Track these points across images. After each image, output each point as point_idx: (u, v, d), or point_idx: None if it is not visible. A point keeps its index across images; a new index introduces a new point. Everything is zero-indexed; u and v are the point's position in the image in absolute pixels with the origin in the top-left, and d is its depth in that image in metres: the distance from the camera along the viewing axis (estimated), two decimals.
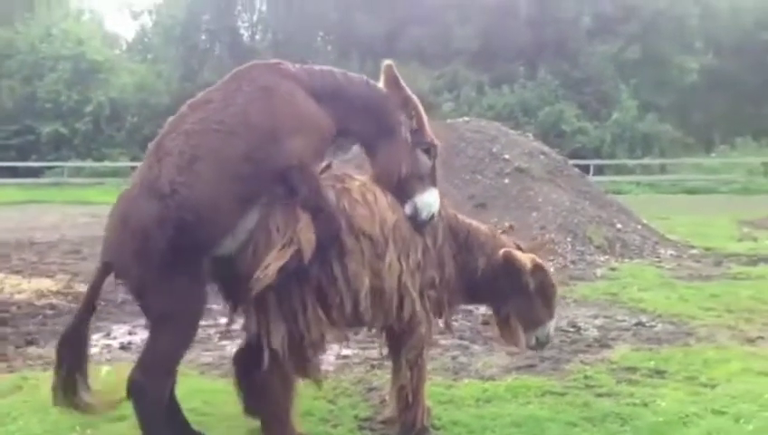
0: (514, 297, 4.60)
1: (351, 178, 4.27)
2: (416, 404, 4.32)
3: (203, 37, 38.20)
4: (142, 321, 7.27)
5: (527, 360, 6.09)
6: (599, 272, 10.43)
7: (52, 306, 8.04)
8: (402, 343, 4.36)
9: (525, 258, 4.49)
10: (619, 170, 31.44)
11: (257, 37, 39.55)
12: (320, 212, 3.90)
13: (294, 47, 36.38)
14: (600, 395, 5.19)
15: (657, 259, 11.63)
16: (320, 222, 3.89)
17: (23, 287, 8.82)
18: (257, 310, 4.01)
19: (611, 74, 34.80)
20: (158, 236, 3.68)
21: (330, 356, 6.26)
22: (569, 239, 11.54)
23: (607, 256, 11.41)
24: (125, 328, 7.40)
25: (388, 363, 5.94)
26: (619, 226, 12.59)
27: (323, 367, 5.45)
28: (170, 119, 4.05)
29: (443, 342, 6.75)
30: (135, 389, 3.81)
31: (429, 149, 4.28)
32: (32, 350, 6.51)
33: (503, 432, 4.46)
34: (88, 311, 4.04)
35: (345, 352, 6.42)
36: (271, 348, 3.97)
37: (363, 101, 4.18)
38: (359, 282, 4.05)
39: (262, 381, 4.04)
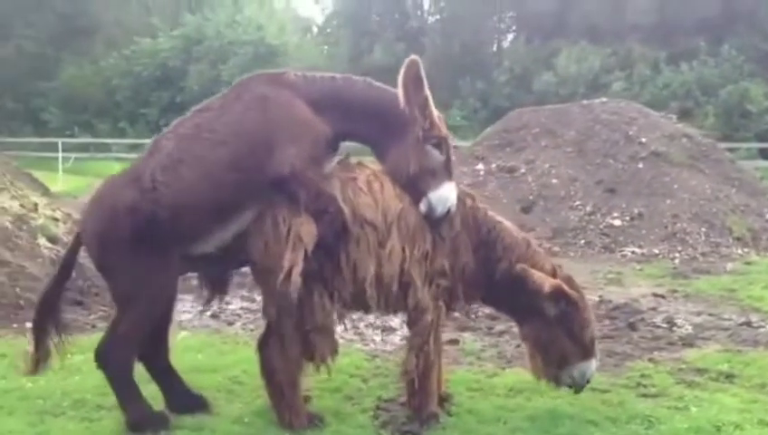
0: (533, 320, 4.42)
1: (362, 168, 4.37)
2: (422, 391, 4.33)
3: (374, 18, 39.03)
4: (241, 292, 7.92)
5: None
6: (729, 266, 9.63)
7: None
8: (409, 329, 4.40)
9: (543, 280, 4.27)
10: None
11: (427, 18, 39.72)
12: (323, 213, 4.03)
13: (464, 27, 36.28)
14: (644, 396, 4.92)
15: None
16: (323, 222, 4.02)
17: None
18: (266, 294, 4.27)
19: None
20: (126, 220, 4.00)
21: (395, 337, 6.45)
22: (703, 229, 10.73)
23: (747, 249, 10.50)
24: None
25: (448, 349, 6.06)
26: None
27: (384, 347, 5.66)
28: (176, 120, 4.35)
29: (499, 328, 6.66)
30: (100, 358, 4.22)
31: (440, 144, 4.23)
32: None
33: (514, 424, 4.36)
34: (62, 276, 4.46)
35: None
36: (278, 332, 4.21)
37: (365, 104, 4.25)
38: (363, 269, 4.16)
39: (269, 361, 4.27)
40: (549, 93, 29.81)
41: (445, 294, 4.36)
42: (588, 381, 4.56)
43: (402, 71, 4.15)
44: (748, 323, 6.88)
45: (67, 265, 4.50)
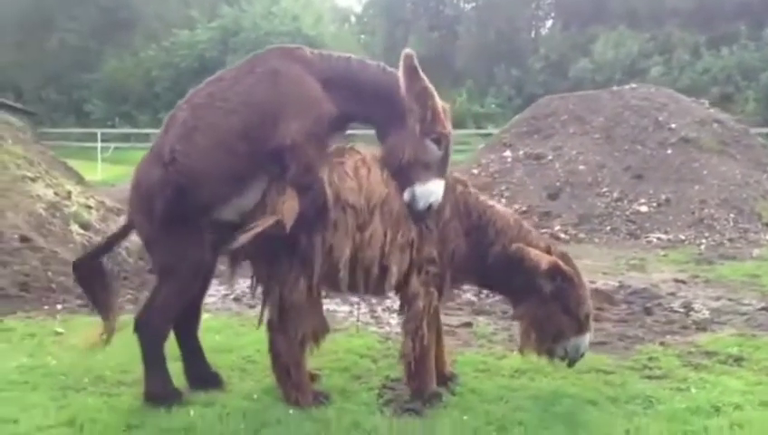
0: (530, 299, 4.47)
1: (352, 153, 4.44)
2: (419, 373, 4.42)
3: (408, 5, 38.99)
4: None
5: (603, 337, 5.89)
6: (756, 252, 9.53)
7: None
8: (404, 315, 4.50)
9: (540, 258, 4.34)
10: None
11: (463, 6, 39.55)
12: (306, 189, 4.13)
13: (499, 15, 36.07)
14: (649, 377, 4.95)
15: None
16: (305, 198, 4.12)
17: None
18: (256, 275, 4.45)
19: None
20: (160, 197, 4.17)
21: None
22: (731, 215, 10.61)
23: None
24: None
25: (460, 332, 6.17)
26: None
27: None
28: (190, 91, 4.49)
29: None
30: (138, 326, 4.41)
31: (440, 139, 4.27)
32: None
33: (515, 404, 4.43)
34: (105, 249, 4.76)
35: None
36: (268, 309, 4.38)
37: (375, 88, 4.29)
38: (338, 251, 4.24)
39: (274, 342, 4.41)
40: (585, 80, 29.56)
41: (435, 280, 4.43)
42: (582, 355, 4.61)
43: (400, 65, 4.22)
44: (766, 309, 6.84)
45: (111, 241, 4.80)
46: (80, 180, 10.83)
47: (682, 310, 6.85)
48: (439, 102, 4.28)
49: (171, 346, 4.64)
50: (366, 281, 4.34)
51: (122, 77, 37.35)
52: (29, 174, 9.19)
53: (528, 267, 4.33)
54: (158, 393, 4.40)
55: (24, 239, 7.74)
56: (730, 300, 7.21)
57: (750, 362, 5.22)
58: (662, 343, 5.76)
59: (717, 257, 9.27)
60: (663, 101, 12.92)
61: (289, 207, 4.12)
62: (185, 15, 40.05)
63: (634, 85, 14.26)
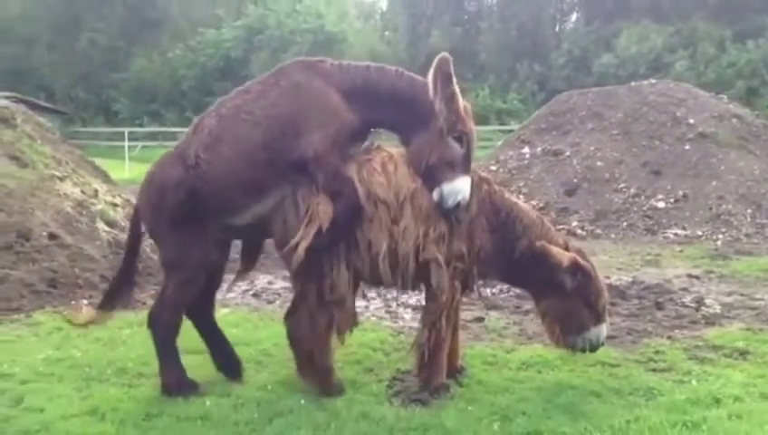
0: (552, 293, 4.67)
1: (379, 151, 4.64)
2: (431, 364, 4.58)
3: (432, 2, 39.04)
4: (285, 272, 8.30)
5: (612, 332, 5.95)
6: None
7: None
8: (425, 306, 4.67)
9: (562, 255, 4.53)
10: None
11: (485, 2, 39.50)
12: (338, 194, 4.33)
13: (522, 10, 35.96)
14: (654, 370, 5.06)
15: None
16: (339, 202, 4.32)
17: None
18: (292, 270, 4.59)
19: None
20: (172, 195, 4.43)
21: None
22: (749, 211, 10.60)
23: None
24: (267, 278, 8.36)
25: (472, 326, 6.31)
26: None
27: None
28: (218, 100, 4.71)
29: (526, 307, 6.85)
30: (150, 319, 4.68)
31: (461, 137, 4.39)
32: None
33: (519, 395, 4.58)
34: (133, 248, 5.01)
35: None
36: (305, 303, 4.54)
37: (394, 94, 4.45)
38: (378, 245, 4.43)
39: (296, 329, 4.60)
40: (608, 75, 29.41)
41: (461, 275, 4.59)
42: (602, 344, 4.81)
43: (433, 66, 4.33)
44: None
45: (133, 235, 5.04)
46: (106, 179, 11.10)
47: (693, 305, 6.92)
48: (462, 102, 4.40)
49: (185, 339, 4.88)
50: (404, 274, 4.49)
51: (150, 76, 37.93)
52: (57, 173, 9.47)
53: (551, 264, 4.50)
54: (174, 385, 4.63)
55: (52, 237, 8.00)
56: (742, 295, 7.26)
57: (755, 356, 5.30)
58: (669, 338, 5.85)
59: (733, 253, 9.29)
60: (681, 97, 12.89)
61: (324, 211, 4.31)
62: (211, 14, 40.51)
63: (653, 81, 14.24)
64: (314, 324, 4.52)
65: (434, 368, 4.62)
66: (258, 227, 4.65)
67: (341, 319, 4.57)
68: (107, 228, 9.02)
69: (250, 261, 5.10)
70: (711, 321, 6.35)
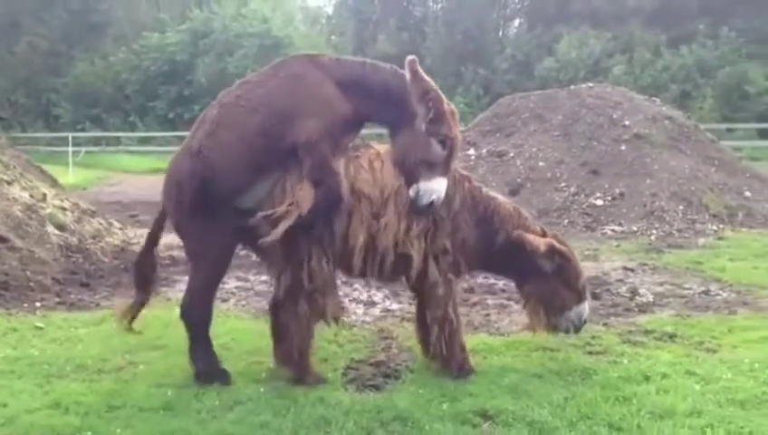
0: (533, 279, 5.00)
1: (368, 148, 4.89)
2: (453, 355, 4.86)
3: (378, 7, 39.40)
4: (237, 272, 8.46)
5: None
6: (701, 241, 10.11)
7: (172, 258, 9.32)
8: (426, 304, 4.92)
9: (539, 241, 4.84)
10: None
11: (431, 7, 40.02)
12: (320, 183, 4.53)
13: (466, 15, 36.59)
14: (590, 353, 5.42)
15: None
16: (320, 191, 4.51)
17: None
18: (270, 259, 4.82)
19: None
20: (188, 187, 4.64)
21: (375, 310, 6.98)
22: (680, 207, 11.18)
23: (722, 225, 10.94)
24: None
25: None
26: (747, 193, 11.93)
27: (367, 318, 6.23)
28: (221, 92, 4.93)
29: (489, 301, 7.18)
30: (183, 311, 4.88)
31: (445, 141, 4.59)
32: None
33: (467, 378, 4.86)
34: (152, 243, 5.16)
35: (393, 306, 7.10)
36: (282, 292, 4.74)
37: (386, 89, 4.66)
38: (354, 238, 4.66)
39: (282, 321, 4.81)
40: (550, 79, 30.17)
41: (450, 268, 4.86)
42: (584, 322, 5.14)
43: (405, 70, 4.60)
44: (706, 292, 7.37)
45: (154, 233, 5.16)
46: (54, 183, 11.06)
47: (627, 295, 7.34)
48: (445, 104, 4.62)
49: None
50: (380, 267, 4.73)
51: (92, 80, 37.21)
52: (5, 177, 9.43)
53: (529, 251, 4.81)
54: (208, 372, 4.82)
55: (2, 240, 7.99)
56: (672, 285, 7.72)
57: (682, 338, 5.72)
58: (605, 324, 6.23)
59: (666, 247, 9.80)
60: (617, 100, 13.47)
61: (304, 196, 4.52)
62: (155, 18, 40.07)
63: (591, 84, 14.83)
64: (299, 316, 4.71)
65: (455, 357, 4.87)
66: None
67: (330, 306, 4.79)
68: (57, 232, 9.02)
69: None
70: (644, 309, 6.78)
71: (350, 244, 4.67)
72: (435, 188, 4.57)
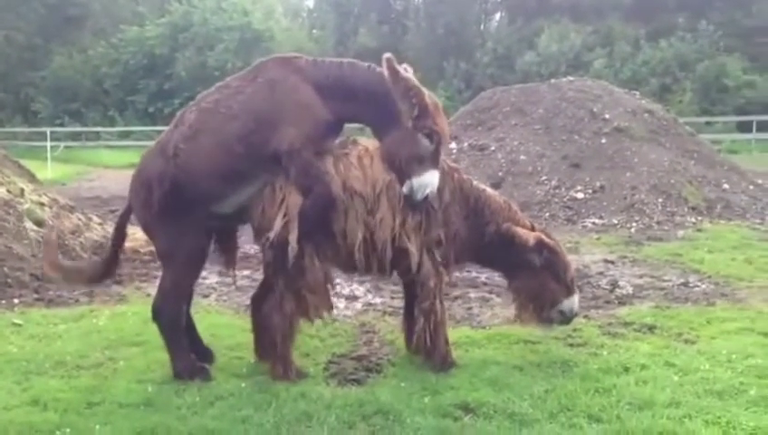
0: (523, 272, 5.02)
1: (355, 145, 4.87)
2: (436, 347, 4.86)
3: (356, 1, 39.30)
4: (217, 267, 8.41)
5: None
6: (680, 233, 10.19)
7: (152, 253, 9.25)
8: (415, 295, 4.91)
9: (528, 235, 4.87)
10: None
11: (411, 0, 39.99)
12: (308, 190, 4.52)
13: (448, 9, 36.58)
14: (571, 345, 5.46)
15: (759, 222, 11.07)
16: (310, 199, 4.51)
17: (136, 237, 10.14)
18: (265, 257, 4.77)
19: None
20: (158, 188, 4.59)
21: (357, 304, 6.97)
22: (660, 200, 11.26)
23: (700, 218, 11.04)
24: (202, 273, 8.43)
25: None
26: (725, 186, 12.05)
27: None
28: (199, 95, 4.88)
29: (471, 295, 7.20)
30: (154, 311, 4.85)
31: (431, 135, 4.57)
32: (115, 288, 7.68)
33: (449, 371, 4.88)
34: (119, 238, 5.16)
35: (375, 300, 7.10)
36: (275, 290, 4.73)
37: (366, 88, 4.63)
38: (353, 235, 4.66)
39: (266, 317, 4.78)
40: (531, 72, 30.29)
41: (443, 260, 4.87)
42: (575, 315, 5.16)
43: (383, 68, 4.55)
44: (685, 284, 7.44)
45: (120, 228, 5.16)
46: (32, 178, 10.92)
47: (608, 287, 7.40)
48: (428, 98, 4.58)
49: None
50: (380, 262, 4.74)
51: (70, 75, 36.86)
52: None
53: (518, 244, 4.83)
54: (186, 371, 4.79)
55: None
56: (652, 277, 7.78)
57: (661, 330, 5.78)
58: (586, 316, 6.26)
59: (645, 239, 9.88)
60: (597, 93, 13.54)
61: (294, 203, 4.53)
62: (134, 12, 39.72)
63: (571, 78, 14.90)
64: (284, 312, 4.70)
65: (439, 349, 4.88)
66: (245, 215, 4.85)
67: (318, 304, 4.79)
68: (35, 227, 8.91)
69: (230, 255, 5.27)
70: (623, 301, 6.83)
71: (349, 242, 4.69)
72: (428, 181, 4.57)
